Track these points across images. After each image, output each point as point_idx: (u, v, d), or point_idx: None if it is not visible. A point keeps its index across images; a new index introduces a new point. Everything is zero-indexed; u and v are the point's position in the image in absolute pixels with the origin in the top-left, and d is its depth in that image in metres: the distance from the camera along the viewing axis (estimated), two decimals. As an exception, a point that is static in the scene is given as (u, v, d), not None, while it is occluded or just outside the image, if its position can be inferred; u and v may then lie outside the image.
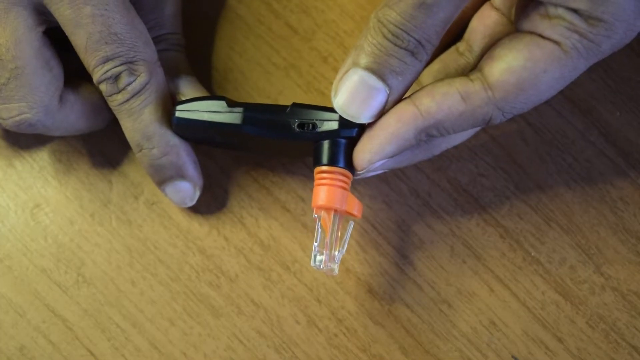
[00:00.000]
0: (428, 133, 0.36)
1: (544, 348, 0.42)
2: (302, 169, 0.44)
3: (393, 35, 0.34)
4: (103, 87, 0.39)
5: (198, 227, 0.44)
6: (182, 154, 0.41)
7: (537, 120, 0.44)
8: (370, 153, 0.36)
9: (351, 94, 0.35)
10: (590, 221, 0.43)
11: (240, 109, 0.38)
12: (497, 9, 0.40)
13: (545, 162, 0.44)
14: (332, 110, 0.37)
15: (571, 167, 0.44)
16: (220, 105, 0.38)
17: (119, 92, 0.39)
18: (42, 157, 0.45)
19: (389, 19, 0.34)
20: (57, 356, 0.43)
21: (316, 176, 0.38)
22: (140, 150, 0.40)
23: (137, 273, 0.44)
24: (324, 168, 0.37)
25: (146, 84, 0.39)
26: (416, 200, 0.44)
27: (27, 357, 0.43)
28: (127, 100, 0.39)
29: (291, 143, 0.38)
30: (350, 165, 0.37)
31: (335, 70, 0.45)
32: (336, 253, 0.38)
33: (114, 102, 0.39)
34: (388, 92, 0.35)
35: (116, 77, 0.38)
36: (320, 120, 0.37)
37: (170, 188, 0.42)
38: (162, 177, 0.41)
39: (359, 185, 0.44)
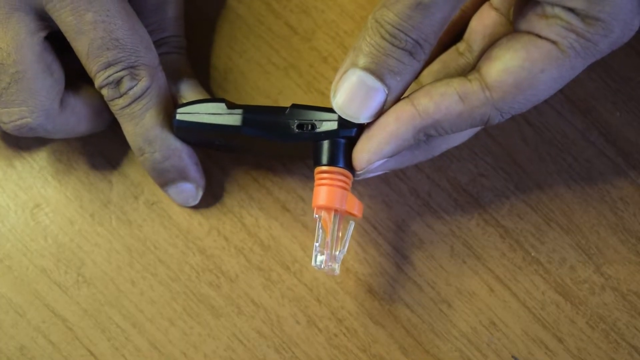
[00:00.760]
0: (426, 133, 0.36)
1: (544, 348, 0.42)
2: (302, 169, 0.44)
3: (390, 35, 0.34)
4: (105, 91, 0.39)
5: (198, 227, 0.44)
6: (183, 156, 0.41)
7: (537, 120, 0.44)
8: (369, 153, 0.36)
9: (350, 94, 0.35)
10: (590, 221, 0.43)
11: (239, 111, 0.38)
12: (496, 9, 0.40)
13: (545, 162, 0.44)
14: (331, 110, 0.37)
15: (571, 167, 0.44)
16: (219, 107, 0.39)
17: (121, 96, 0.39)
18: (42, 157, 0.45)
19: (386, 19, 0.34)
20: (57, 356, 0.43)
21: (316, 176, 0.38)
22: (142, 154, 0.40)
23: (137, 273, 0.44)
24: (324, 168, 0.37)
25: (147, 88, 0.39)
26: (416, 200, 0.44)
27: (27, 357, 0.43)
28: (129, 104, 0.39)
29: (291, 144, 0.38)
30: (350, 165, 0.37)
31: (335, 70, 0.45)
32: (337, 253, 0.38)
33: (116, 106, 0.39)
34: (387, 92, 0.35)
35: (118, 82, 0.38)
36: (320, 120, 0.37)
37: (173, 190, 0.42)
38: (165, 179, 0.42)
39: (359, 185, 0.44)
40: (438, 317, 0.43)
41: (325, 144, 0.37)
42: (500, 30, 0.40)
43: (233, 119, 0.38)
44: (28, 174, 0.45)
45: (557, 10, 0.34)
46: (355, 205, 0.38)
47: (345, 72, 0.35)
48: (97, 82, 0.38)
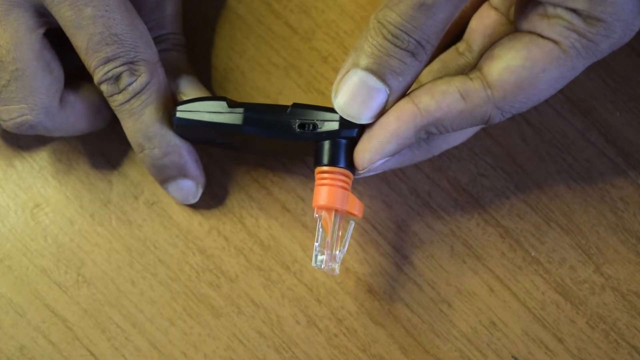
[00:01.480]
0: (427, 131, 0.36)
1: (544, 348, 0.42)
2: (302, 169, 0.44)
3: (393, 36, 0.34)
4: (104, 87, 0.39)
5: (198, 227, 0.44)
6: (183, 153, 0.41)
7: (537, 120, 0.44)
8: (370, 152, 0.36)
9: (351, 94, 0.35)
10: (590, 221, 0.43)
11: (240, 110, 0.38)
12: (495, 8, 0.40)
13: (545, 162, 0.44)
14: (332, 110, 0.37)
15: (571, 167, 0.44)
16: (220, 105, 0.38)
17: (120, 92, 0.39)
18: (42, 157, 0.45)
19: (389, 20, 0.34)
20: (57, 356, 0.43)
21: (317, 176, 0.38)
22: (142, 151, 0.40)
23: (137, 273, 0.44)
24: (325, 168, 0.37)
25: (147, 84, 0.39)
26: (416, 200, 0.44)
27: (27, 357, 0.43)
28: (128, 100, 0.39)
29: (292, 143, 0.38)
30: (350, 165, 0.37)
31: (335, 70, 0.45)
32: (337, 253, 0.38)
33: (115, 102, 0.39)
34: (388, 92, 0.35)
35: (117, 78, 0.38)
36: (321, 120, 0.37)
37: (172, 187, 0.42)
38: (165, 176, 0.41)
39: (359, 185, 0.44)
40: (438, 317, 0.43)
41: (326, 144, 0.37)
42: (500, 30, 0.40)
43: (234, 117, 0.38)
44: (28, 174, 0.45)
45: (559, 11, 0.34)
46: (355, 206, 0.38)
47: (346, 72, 0.35)
48: (96, 77, 0.38)
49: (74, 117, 0.40)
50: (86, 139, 0.45)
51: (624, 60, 0.44)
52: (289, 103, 0.38)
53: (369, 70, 0.35)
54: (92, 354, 0.43)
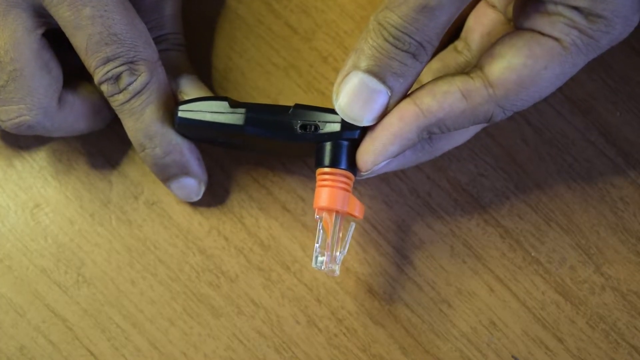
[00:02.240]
0: (430, 131, 0.36)
1: (544, 348, 0.42)
2: (302, 169, 0.44)
3: (394, 37, 0.34)
4: (104, 87, 0.39)
5: (198, 227, 0.44)
6: (185, 152, 0.41)
7: (537, 120, 0.44)
8: (374, 154, 0.36)
9: (352, 96, 0.35)
10: (590, 221, 0.43)
11: (242, 110, 0.38)
12: (493, 6, 0.40)
13: (545, 162, 0.44)
14: (334, 111, 0.37)
15: (571, 167, 0.44)
16: (222, 105, 0.38)
17: (120, 92, 0.39)
18: (42, 157, 0.45)
19: (390, 21, 0.34)
20: (57, 356, 0.43)
21: (318, 177, 0.38)
22: (143, 150, 0.40)
23: (137, 273, 0.44)
24: (326, 169, 0.37)
25: (147, 83, 0.39)
26: (416, 200, 0.44)
27: (27, 357, 0.43)
28: (129, 100, 0.39)
29: (293, 144, 0.38)
30: (352, 167, 0.37)
31: (336, 70, 0.45)
32: (337, 254, 0.38)
33: (116, 102, 0.39)
34: (389, 94, 0.35)
35: (117, 77, 0.38)
36: (323, 122, 0.37)
37: (175, 185, 0.42)
38: (167, 175, 0.41)
39: (359, 185, 0.44)
40: (438, 317, 0.43)
41: (328, 145, 0.37)
42: (498, 29, 0.40)
43: (236, 117, 0.38)
44: (28, 174, 0.45)
45: (560, 8, 0.34)
46: (356, 207, 0.38)
47: (347, 74, 0.35)
48: (97, 77, 0.38)
49: (73, 117, 0.40)
50: (86, 139, 0.45)
51: (624, 60, 0.44)
52: (289, 103, 0.38)
53: (370, 72, 0.35)
54: (92, 354, 0.43)
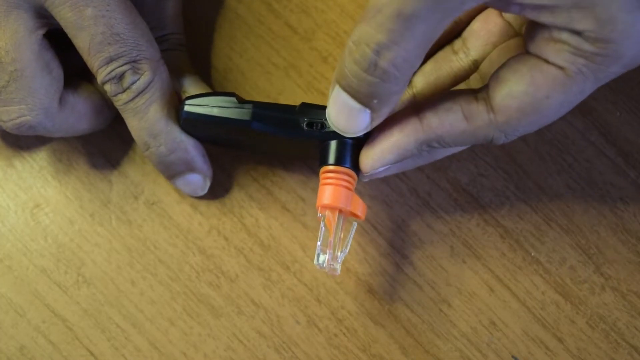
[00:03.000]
0: (429, 145, 0.36)
1: (544, 348, 0.42)
2: (302, 168, 0.44)
3: (365, 61, 0.32)
4: (107, 87, 0.39)
5: (198, 227, 0.44)
6: (189, 149, 0.41)
7: (537, 120, 0.44)
8: (372, 160, 0.37)
9: (337, 111, 0.35)
10: (590, 221, 0.43)
11: (249, 106, 0.38)
12: (501, 15, 0.39)
13: (545, 162, 0.44)
14: None
15: (571, 167, 0.44)
16: (230, 101, 0.39)
17: (124, 91, 0.39)
18: (42, 157, 0.45)
19: (362, 39, 0.31)
20: (57, 356, 0.43)
21: (322, 176, 0.38)
22: (148, 149, 0.40)
23: (137, 273, 0.44)
24: (330, 167, 0.37)
25: (150, 82, 0.39)
26: (416, 200, 0.44)
27: (27, 357, 0.43)
28: (132, 99, 0.39)
29: (298, 142, 0.38)
30: (356, 166, 0.37)
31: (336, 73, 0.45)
32: (339, 253, 0.38)
33: (119, 101, 0.39)
34: (370, 113, 0.34)
35: (120, 77, 0.38)
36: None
37: (180, 181, 0.42)
38: (172, 172, 0.42)
39: (360, 185, 0.44)
40: (438, 317, 0.43)
41: (333, 144, 0.37)
42: (503, 40, 0.39)
43: (243, 113, 0.38)
44: (28, 174, 0.45)
45: (565, 36, 0.32)
46: (359, 207, 0.38)
47: (333, 87, 0.35)
48: (100, 77, 0.38)
49: (74, 117, 0.40)
50: (86, 139, 0.45)
51: (624, 60, 0.44)
52: (290, 103, 0.39)
53: (347, 92, 0.34)
54: (92, 354, 0.43)
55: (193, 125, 0.39)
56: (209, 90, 0.42)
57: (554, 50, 0.33)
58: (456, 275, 0.43)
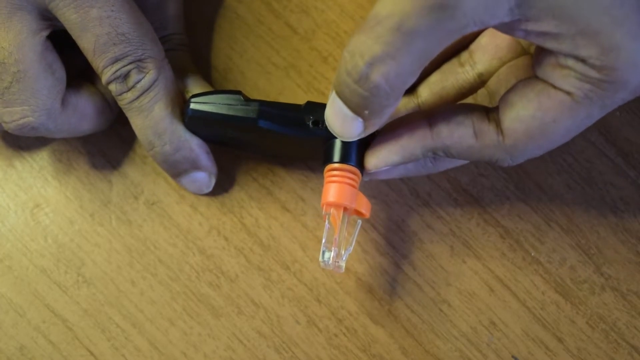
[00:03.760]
0: (435, 152, 0.36)
1: (544, 348, 0.42)
2: (302, 169, 0.44)
3: (357, 74, 0.31)
4: (112, 87, 0.39)
5: (198, 227, 0.44)
6: (194, 147, 0.41)
7: (537, 120, 0.44)
8: (378, 159, 0.37)
9: (333, 115, 0.35)
10: (590, 221, 0.43)
11: (256, 104, 0.38)
12: None
13: (545, 162, 0.44)
14: None
15: (571, 167, 0.44)
16: (236, 99, 0.39)
17: (129, 90, 0.39)
18: (42, 157, 0.45)
19: (359, 49, 0.31)
20: (57, 356, 0.43)
21: (326, 174, 0.38)
22: (153, 148, 0.40)
23: (137, 273, 0.44)
24: (335, 165, 0.37)
25: (155, 80, 0.39)
26: (416, 200, 0.44)
27: (27, 357, 0.43)
28: (137, 97, 0.39)
29: (303, 140, 0.38)
30: (360, 165, 0.38)
31: (335, 70, 0.45)
32: (344, 251, 0.38)
33: (124, 100, 0.39)
34: (363, 122, 0.34)
35: (125, 76, 0.38)
36: None
37: (185, 180, 0.42)
38: (177, 171, 0.42)
39: (360, 185, 0.44)
40: (438, 317, 0.43)
41: (338, 142, 0.38)
42: (510, 57, 0.39)
43: (249, 111, 0.38)
44: (28, 174, 0.45)
45: (570, 62, 0.32)
46: (363, 204, 0.38)
47: (331, 91, 0.34)
48: (105, 77, 0.38)
49: (76, 118, 0.40)
50: (86, 139, 0.45)
51: (624, 60, 0.44)
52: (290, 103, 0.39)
53: (341, 99, 0.33)
54: (92, 354, 0.43)
55: (198, 123, 0.39)
56: (211, 89, 0.42)
57: (561, 75, 0.33)
58: (456, 275, 0.43)
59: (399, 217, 0.44)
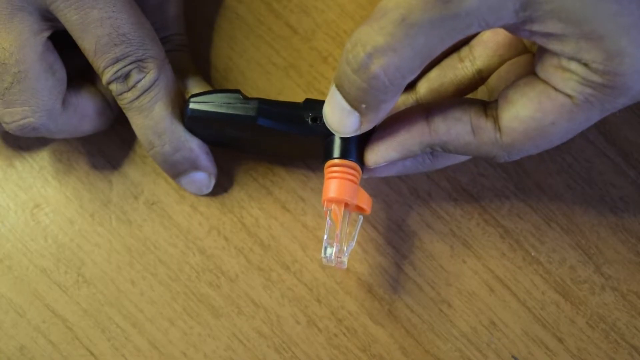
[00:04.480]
0: (432, 148, 0.36)
1: (544, 348, 0.42)
2: (302, 169, 0.44)
3: (357, 64, 0.32)
4: (113, 87, 0.39)
5: (198, 227, 0.44)
6: (194, 147, 0.41)
7: (537, 120, 0.44)
8: (376, 154, 0.37)
9: (331, 109, 0.35)
10: (590, 221, 0.43)
11: (255, 102, 0.38)
12: None
13: (545, 162, 0.44)
14: None
15: (571, 167, 0.44)
16: (235, 97, 0.39)
17: (129, 90, 0.39)
18: (42, 157, 0.45)
19: (361, 40, 0.31)
20: (57, 356, 0.43)
21: (327, 170, 0.38)
22: (152, 148, 0.40)
23: (137, 273, 0.44)
24: (336, 161, 0.37)
25: (155, 80, 0.39)
26: (416, 200, 0.44)
27: (27, 357, 0.43)
28: (137, 97, 0.39)
29: (303, 138, 0.38)
30: (360, 160, 0.38)
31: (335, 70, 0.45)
32: (345, 247, 0.38)
33: (124, 100, 0.39)
34: (360, 116, 0.34)
35: (126, 76, 0.38)
36: None
37: (185, 180, 0.42)
38: (177, 171, 0.42)
39: (360, 184, 0.44)
40: (438, 317, 0.43)
41: (338, 138, 0.38)
42: (511, 54, 0.39)
43: (248, 109, 0.38)
44: (28, 174, 0.45)
45: (573, 66, 0.32)
46: (364, 200, 0.38)
47: (331, 85, 0.35)
48: (105, 77, 0.38)
49: (77, 118, 0.40)
50: (86, 140, 0.45)
51: (624, 60, 0.44)
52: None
53: (340, 91, 0.34)
54: (92, 354, 0.43)
55: (198, 123, 0.39)
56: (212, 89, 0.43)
57: (562, 78, 0.33)
58: (456, 275, 0.43)
59: (399, 216, 0.44)
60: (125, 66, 0.38)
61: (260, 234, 0.44)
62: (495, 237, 0.43)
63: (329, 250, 0.38)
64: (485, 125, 0.35)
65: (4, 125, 0.39)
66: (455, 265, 0.43)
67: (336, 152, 0.38)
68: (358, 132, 0.35)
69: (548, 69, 0.33)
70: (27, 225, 0.44)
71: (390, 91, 0.32)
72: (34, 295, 0.43)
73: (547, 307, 0.43)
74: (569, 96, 0.33)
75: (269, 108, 0.38)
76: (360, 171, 0.38)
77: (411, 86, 0.42)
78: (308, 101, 0.38)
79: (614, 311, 0.42)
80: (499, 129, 0.34)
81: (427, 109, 0.36)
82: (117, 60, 0.38)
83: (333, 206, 0.38)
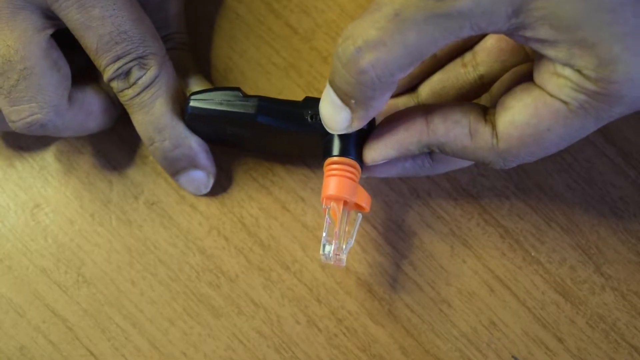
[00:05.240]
0: (430, 148, 0.36)
1: (544, 348, 0.42)
2: (302, 169, 0.44)
3: (346, 57, 0.32)
4: (114, 84, 0.39)
5: (198, 227, 0.44)
6: (193, 145, 0.41)
7: (537, 120, 0.44)
8: (375, 152, 0.37)
9: (325, 105, 0.35)
10: (590, 221, 0.43)
11: (255, 100, 0.39)
12: None
13: (545, 162, 0.44)
14: None
15: (571, 167, 0.44)
16: (235, 95, 0.39)
17: (130, 86, 0.39)
18: (42, 157, 0.45)
19: (353, 34, 0.31)
20: (57, 356, 0.43)
21: (326, 168, 0.38)
22: (152, 144, 0.40)
23: (137, 273, 0.44)
24: (335, 159, 0.37)
25: (156, 77, 0.39)
26: (416, 200, 0.44)
27: (27, 357, 0.43)
28: (138, 94, 0.39)
29: (302, 135, 0.39)
30: (360, 158, 0.38)
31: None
32: (344, 245, 0.38)
33: (125, 97, 0.39)
34: (351, 113, 0.34)
35: (127, 73, 0.39)
36: None
37: (184, 178, 0.42)
38: (176, 168, 0.42)
39: (360, 184, 0.44)
40: (438, 317, 0.43)
41: (337, 136, 0.38)
42: (514, 60, 0.39)
43: (248, 107, 0.39)
44: (28, 174, 0.45)
45: (567, 72, 0.32)
46: (363, 198, 0.38)
47: (327, 82, 0.35)
48: (107, 75, 0.39)
49: (82, 115, 0.40)
50: (86, 139, 0.45)
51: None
52: (291, 102, 0.39)
53: (331, 87, 0.34)
54: (92, 354, 0.43)
55: (198, 120, 0.40)
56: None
57: (557, 84, 0.32)
58: (456, 275, 0.43)
59: (399, 217, 0.44)
60: (126, 63, 0.38)
61: (260, 234, 0.44)
62: (495, 237, 0.43)
63: (327, 248, 0.38)
64: (483, 130, 0.35)
65: (10, 124, 0.39)
66: (455, 265, 0.43)
67: (335, 149, 0.38)
68: (350, 130, 0.35)
69: (544, 75, 0.33)
70: (27, 225, 0.44)
71: (378, 88, 0.32)
72: (34, 295, 0.43)
73: (547, 307, 0.43)
74: (564, 102, 0.33)
75: (269, 105, 0.38)
76: (360, 169, 0.38)
77: (413, 89, 0.42)
78: (308, 99, 0.39)
79: (614, 311, 0.43)
80: (496, 135, 0.34)
81: (428, 110, 0.36)
82: (118, 58, 0.38)
83: (332, 204, 0.38)
